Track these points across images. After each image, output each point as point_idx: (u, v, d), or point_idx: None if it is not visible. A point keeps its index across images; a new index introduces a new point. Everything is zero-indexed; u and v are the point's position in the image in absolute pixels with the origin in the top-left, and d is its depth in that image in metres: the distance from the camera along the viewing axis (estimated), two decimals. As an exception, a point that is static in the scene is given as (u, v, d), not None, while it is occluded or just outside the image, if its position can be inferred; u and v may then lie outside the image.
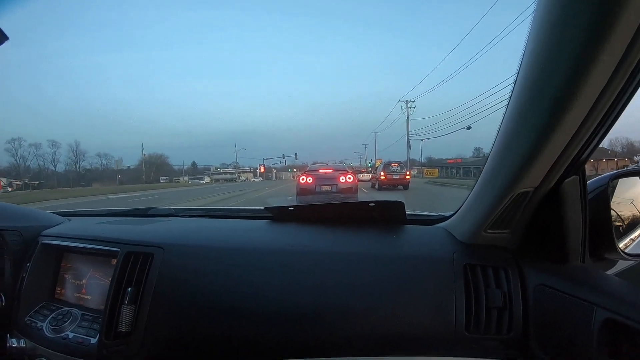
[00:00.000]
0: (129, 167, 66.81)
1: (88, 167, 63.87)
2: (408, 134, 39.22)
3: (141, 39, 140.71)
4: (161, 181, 60.75)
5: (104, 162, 65.65)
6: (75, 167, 61.44)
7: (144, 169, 64.81)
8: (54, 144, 59.47)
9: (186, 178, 65.75)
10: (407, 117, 39.48)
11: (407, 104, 40.06)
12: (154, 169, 67.38)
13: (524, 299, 0.74)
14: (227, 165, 74.00)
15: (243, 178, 68.51)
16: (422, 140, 39.76)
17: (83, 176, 59.80)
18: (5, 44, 0.54)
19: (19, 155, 55.96)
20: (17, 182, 46.18)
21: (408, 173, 15.70)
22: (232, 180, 62.78)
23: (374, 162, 44.47)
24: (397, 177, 14.94)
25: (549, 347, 0.69)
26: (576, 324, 0.62)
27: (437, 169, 43.72)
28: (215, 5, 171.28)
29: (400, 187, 14.86)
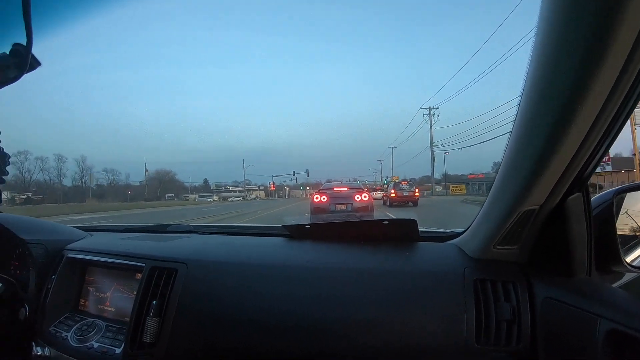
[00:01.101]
0: (140, 182, 67.33)
1: (95, 182, 64.66)
2: (432, 145, 36.94)
3: (156, 56, 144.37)
4: (166, 198, 60.75)
5: (110, 177, 66.61)
6: (82, 182, 62.32)
7: (146, 185, 64.95)
8: (60, 158, 60.28)
9: (195, 195, 66.09)
10: (430, 126, 37.30)
11: (429, 111, 37.66)
12: (161, 185, 67.97)
13: (532, 312, 0.79)
14: (239, 183, 74.21)
15: (253, 196, 68.41)
16: (444, 153, 36.96)
17: (87, 192, 60.60)
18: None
19: (24, 168, 57.01)
20: (19, 197, 46.95)
21: (417, 190, 16.97)
22: (241, 198, 62.51)
23: (389, 179, 42.14)
24: (407, 194, 16.28)
25: (556, 358, 0.73)
26: (582, 335, 0.66)
27: (464, 185, 41.08)
28: (229, 26, 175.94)
29: (410, 204, 16.02)
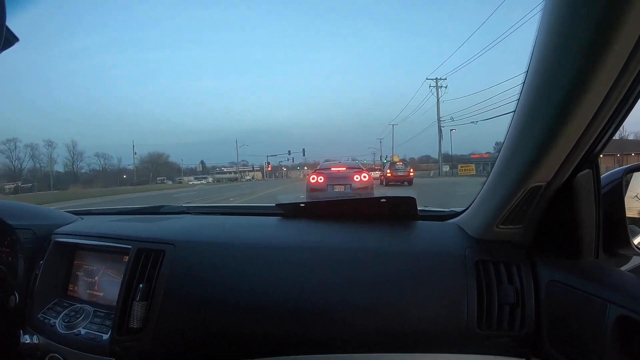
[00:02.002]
0: (132, 165, 67.00)
1: (85, 168, 64.43)
2: (439, 120, 33.53)
3: (146, 38, 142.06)
4: (158, 182, 60.29)
5: (102, 162, 66.29)
6: (73, 167, 62.05)
7: (134, 169, 64.42)
8: (50, 144, 59.53)
9: (191, 178, 65.80)
10: (438, 99, 33.88)
11: (436, 82, 34.14)
12: (154, 168, 67.63)
13: (536, 296, 0.78)
14: (235, 164, 73.90)
15: (248, 177, 68.23)
16: (451, 130, 34.34)
17: (79, 177, 60.37)
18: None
19: (14, 157, 56.56)
20: (9, 186, 46.56)
21: (412, 170, 18.40)
22: (235, 179, 62.09)
23: (389, 158, 40.66)
24: (402, 174, 17.65)
25: (561, 344, 0.72)
26: (589, 321, 0.64)
27: (473, 165, 37.50)
28: (222, 3, 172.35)
29: (405, 183, 17.21)
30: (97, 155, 66.01)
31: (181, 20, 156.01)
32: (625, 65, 0.49)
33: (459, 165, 37.54)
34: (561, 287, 0.73)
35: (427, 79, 35.03)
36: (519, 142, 0.68)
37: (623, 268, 0.84)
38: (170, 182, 58.53)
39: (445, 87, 34.21)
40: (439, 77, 34.49)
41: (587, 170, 0.70)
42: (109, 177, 62.01)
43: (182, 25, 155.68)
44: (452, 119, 32.78)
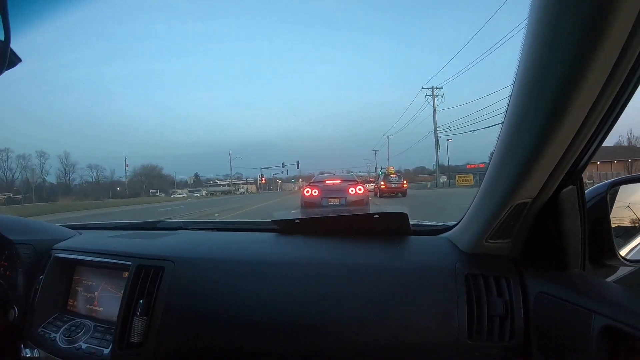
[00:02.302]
0: (121, 178, 66.44)
1: (77, 179, 63.91)
2: (436, 130, 32.59)
3: (141, 50, 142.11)
4: (151, 194, 59.85)
5: (95, 174, 65.85)
6: (65, 179, 61.63)
7: (126, 181, 63.88)
8: (42, 154, 59.00)
9: (184, 190, 65.44)
10: (434, 108, 32.96)
11: (432, 91, 33.01)
12: (147, 181, 67.14)
13: (525, 307, 0.80)
14: (230, 177, 73.59)
15: (242, 190, 67.97)
16: (448, 140, 33.84)
17: (72, 189, 59.83)
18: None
19: (6, 167, 55.95)
20: (0, 197, 46.21)
21: (405, 182, 18.73)
22: (228, 192, 61.60)
23: (384, 170, 39.51)
24: (396, 186, 17.86)
25: (550, 353, 0.74)
26: (576, 331, 0.67)
27: (471, 175, 36.37)
28: (217, 16, 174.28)
29: (399, 194, 17.43)
30: (89, 167, 65.54)
31: (176, 32, 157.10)
32: (604, 85, 0.50)
33: (457, 176, 37.18)
34: (549, 299, 0.75)
35: (422, 87, 34.28)
36: (505, 160, 0.70)
37: (610, 278, 0.87)
38: (163, 195, 58.11)
39: (442, 95, 33.70)
40: (435, 86, 33.80)
41: (571, 186, 0.73)
42: (102, 189, 61.50)
43: (176, 37, 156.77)
44: (449, 128, 32.51)
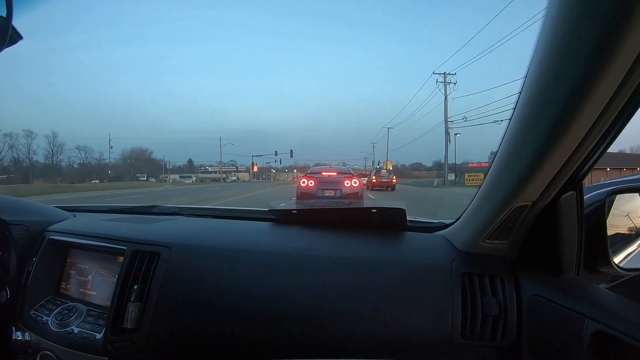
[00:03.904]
0: (108, 160, 65.51)
1: (65, 160, 63.07)
2: (446, 120, 28.86)
3: (138, 34, 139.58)
4: (139, 179, 59.43)
5: (82, 155, 64.99)
6: (52, 160, 60.82)
7: (110, 164, 62.79)
8: (29, 134, 57.97)
9: (176, 176, 64.80)
10: (445, 96, 29.08)
11: (444, 77, 29.30)
12: (135, 164, 66.39)
13: (518, 308, 0.83)
14: (225, 164, 72.75)
15: (233, 178, 67.42)
16: (456, 134, 30.33)
17: (59, 171, 59.01)
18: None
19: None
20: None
21: (394, 177, 21.59)
22: (218, 180, 60.74)
23: (382, 164, 39.58)
24: (386, 180, 20.49)
25: (541, 355, 0.76)
26: (568, 335, 0.69)
27: (482, 174, 30.80)
28: (216, 4, 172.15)
29: (389, 188, 19.70)
30: (77, 148, 64.55)
31: (174, 18, 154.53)
32: (610, 100, 0.52)
33: (466, 174, 33.54)
34: (542, 302, 0.77)
35: (433, 73, 30.20)
36: (508, 163, 0.72)
37: (603, 285, 0.89)
38: (153, 180, 57.32)
39: (455, 83, 29.93)
40: (447, 72, 29.70)
41: (571, 192, 0.75)
42: (87, 171, 60.67)
43: (175, 23, 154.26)
44: (464, 118, 28.14)
